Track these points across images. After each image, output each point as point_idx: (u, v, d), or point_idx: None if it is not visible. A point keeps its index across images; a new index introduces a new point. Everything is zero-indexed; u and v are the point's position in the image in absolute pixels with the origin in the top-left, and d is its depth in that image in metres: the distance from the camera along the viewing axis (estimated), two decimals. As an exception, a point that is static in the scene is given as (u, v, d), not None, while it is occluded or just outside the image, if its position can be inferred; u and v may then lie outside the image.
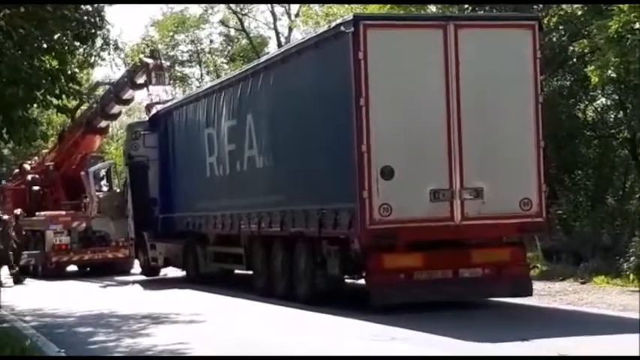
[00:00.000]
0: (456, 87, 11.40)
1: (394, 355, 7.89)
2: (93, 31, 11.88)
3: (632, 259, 15.57)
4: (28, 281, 20.31)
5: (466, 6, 19.84)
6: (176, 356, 7.20)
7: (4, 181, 27.39)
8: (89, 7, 11.58)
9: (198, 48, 40.89)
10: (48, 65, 10.94)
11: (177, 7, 38.54)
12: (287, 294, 13.62)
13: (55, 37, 10.88)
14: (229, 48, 40.89)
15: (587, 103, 20.63)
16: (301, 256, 13.30)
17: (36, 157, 27.25)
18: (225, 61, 40.99)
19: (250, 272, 16.06)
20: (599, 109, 21.04)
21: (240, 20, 38.65)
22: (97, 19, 11.92)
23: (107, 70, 31.17)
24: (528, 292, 11.95)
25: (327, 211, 12.22)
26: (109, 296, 17.20)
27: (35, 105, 11.70)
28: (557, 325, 10.91)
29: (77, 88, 12.52)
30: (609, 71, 16.41)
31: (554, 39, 19.23)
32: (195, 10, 39.67)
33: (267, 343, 9.83)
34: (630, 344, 8.90)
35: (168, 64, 24.45)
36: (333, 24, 13.16)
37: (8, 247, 18.92)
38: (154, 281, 19.92)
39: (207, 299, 15.52)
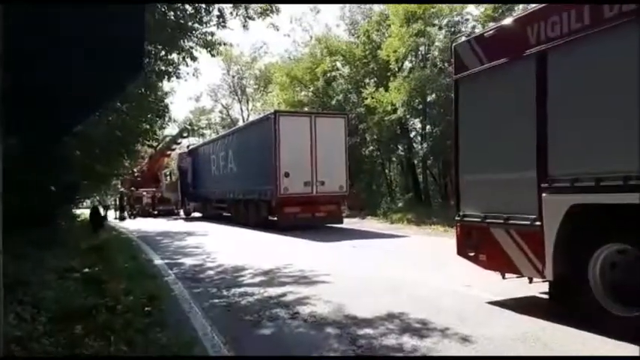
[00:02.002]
0: (315, 141, 21.59)
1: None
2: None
3: (382, 209, 26.95)
4: None
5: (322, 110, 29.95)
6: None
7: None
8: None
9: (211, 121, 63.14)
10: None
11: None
12: (245, 223, 24.61)
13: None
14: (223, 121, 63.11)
15: (364, 148, 33.01)
16: (252, 208, 24.38)
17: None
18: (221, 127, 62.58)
19: (229, 215, 27.27)
20: (372, 153, 33.70)
21: (227, 110, 62.79)
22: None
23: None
24: (341, 222, 22.54)
25: (262, 189, 22.44)
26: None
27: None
28: (356, 235, 18.85)
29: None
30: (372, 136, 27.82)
31: (353, 122, 31.01)
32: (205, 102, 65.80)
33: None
34: (383, 244, 15.29)
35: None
36: (266, 113, 23.79)
37: None
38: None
39: (213, 227, 24.32)
